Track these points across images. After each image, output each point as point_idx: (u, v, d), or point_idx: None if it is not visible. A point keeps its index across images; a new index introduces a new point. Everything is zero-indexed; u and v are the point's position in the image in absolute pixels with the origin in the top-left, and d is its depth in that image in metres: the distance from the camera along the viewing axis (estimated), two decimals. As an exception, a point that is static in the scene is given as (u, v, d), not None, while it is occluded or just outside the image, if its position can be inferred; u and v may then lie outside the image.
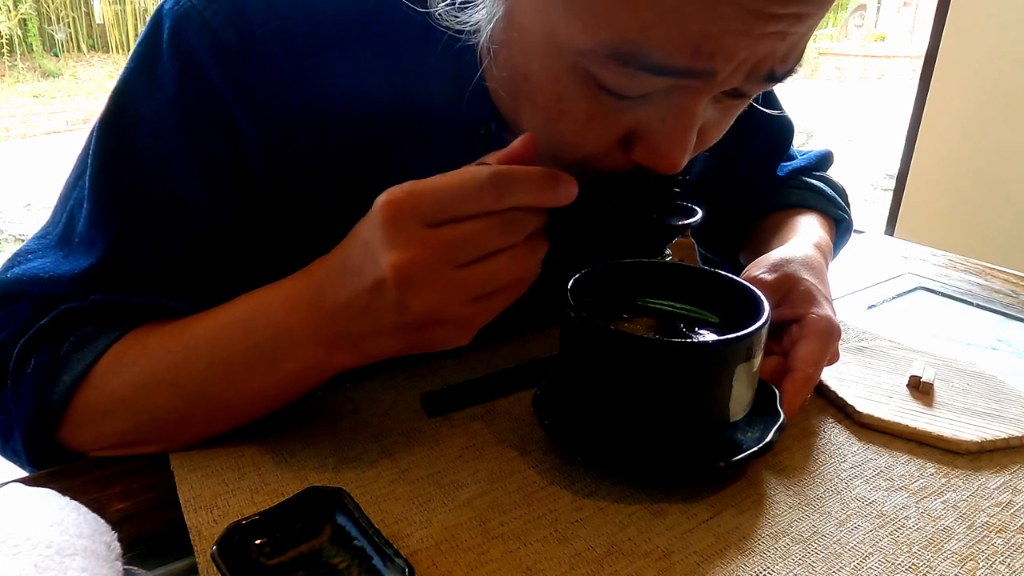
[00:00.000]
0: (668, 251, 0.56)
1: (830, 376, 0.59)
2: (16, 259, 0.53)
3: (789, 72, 0.42)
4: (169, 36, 0.49)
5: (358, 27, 0.51)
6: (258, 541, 0.39)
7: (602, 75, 0.40)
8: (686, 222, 0.51)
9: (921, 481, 0.49)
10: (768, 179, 0.80)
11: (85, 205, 0.50)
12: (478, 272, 0.39)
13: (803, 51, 0.42)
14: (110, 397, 0.49)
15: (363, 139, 0.53)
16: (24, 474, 0.51)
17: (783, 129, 0.80)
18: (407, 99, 0.53)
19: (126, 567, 0.39)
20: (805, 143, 3.36)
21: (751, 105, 0.73)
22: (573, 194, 0.40)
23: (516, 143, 0.41)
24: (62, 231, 0.53)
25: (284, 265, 0.49)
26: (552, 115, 0.45)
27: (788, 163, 0.82)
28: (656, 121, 0.43)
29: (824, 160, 0.84)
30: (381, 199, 0.39)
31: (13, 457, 0.52)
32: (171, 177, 0.50)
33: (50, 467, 0.50)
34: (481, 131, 0.54)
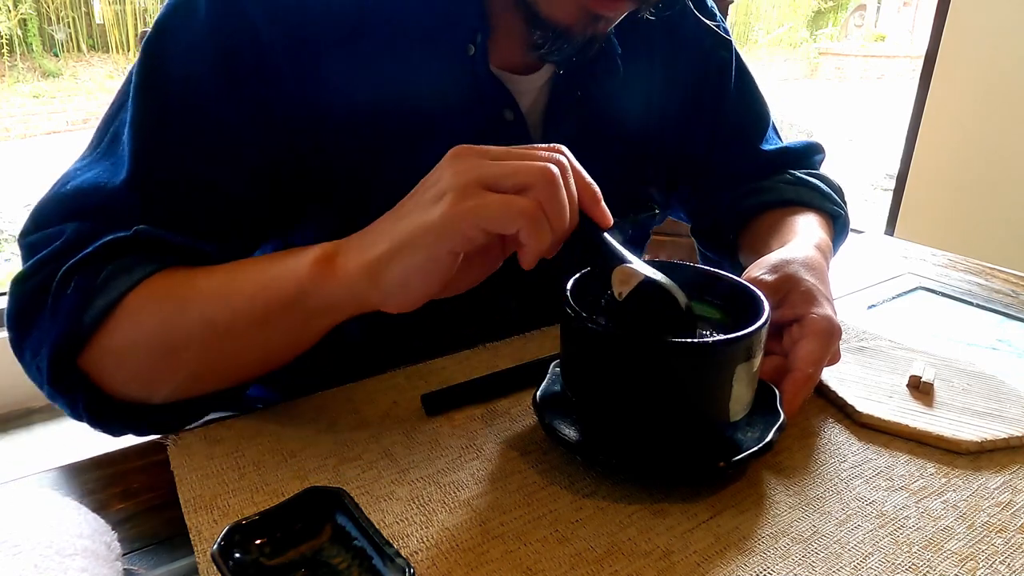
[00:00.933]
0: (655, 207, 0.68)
1: (830, 376, 0.59)
2: (62, 180, 0.56)
3: None
4: None
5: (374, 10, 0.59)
6: (258, 541, 0.39)
7: None
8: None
9: (921, 481, 0.49)
10: (754, 153, 0.82)
11: (127, 126, 0.55)
12: (502, 169, 0.44)
13: None
14: (137, 327, 0.51)
15: (376, 56, 0.60)
16: (23, 474, 0.51)
17: (758, 105, 0.84)
18: (409, 16, 0.60)
19: (126, 567, 0.39)
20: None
21: (724, 84, 0.80)
22: (608, 223, 0.47)
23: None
24: (106, 148, 0.56)
25: (304, 232, 0.55)
26: None
27: (771, 145, 0.84)
28: None
29: (810, 149, 0.85)
30: (454, 148, 0.46)
31: (36, 375, 0.53)
32: (203, 97, 0.55)
33: (66, 391, 0.52)
34: (470, 52, 0.62)
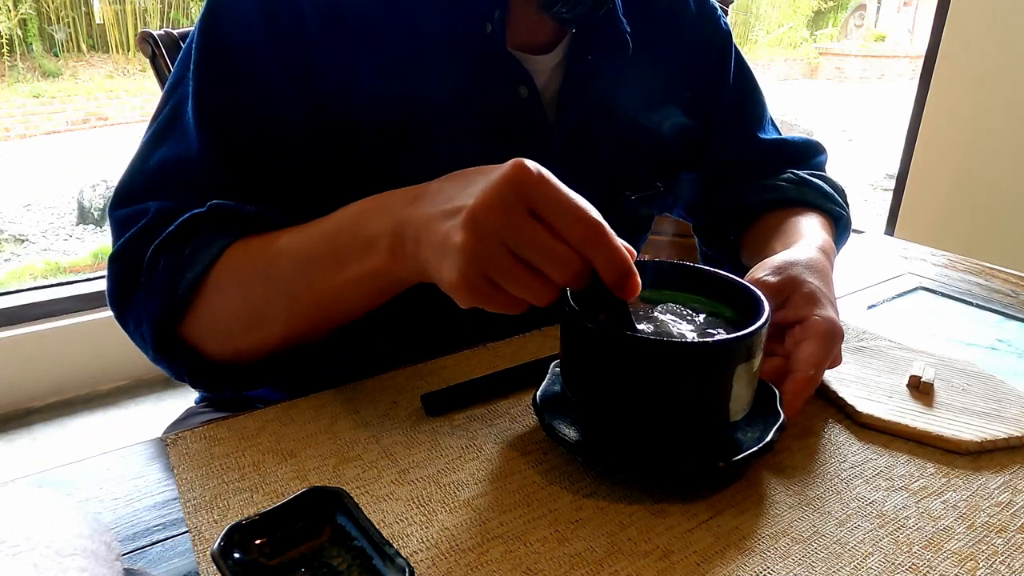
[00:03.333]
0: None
1: (830, 376, 0.59)
2: (139, 156, 0.61)
3: None
4: None
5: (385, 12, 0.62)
6: (258, 541, 0.39)
7: None
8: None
9: (921, 481, 0.49)
10: (752, 141, 0.83)
11: (190, 99, 0.59)
12: (511, 267, 0.42)
13: None
14: (221, 294, 0.56)
15: (396, 34, 0.63)
16: (23, 474, 0.51)
17: (755, 95, 0.85)
18: (430, 5, 0.63)
19: (126, 567, 0.39)
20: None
21: (722, 75, 0.81)
22: (633, 295, 0.43)
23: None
24: (169, 122, 0.61)
25: (339, 199, 0.55)
26: None
27: (773, 135, 0.85)
28: None
29: (812, 147, 0.86)
30: (523, 162, 0.42)
31: (141, 342, 0.59)
32: (257, 61, 0.60)
33: (169, 357, 0.57)
34: (488, 29, 0.64)
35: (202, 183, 0.58)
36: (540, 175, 0.42)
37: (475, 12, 0.64)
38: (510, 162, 0.42)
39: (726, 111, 0.82)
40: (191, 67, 0.60)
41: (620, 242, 0.43)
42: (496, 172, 0.42)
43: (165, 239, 0.56)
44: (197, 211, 0.56)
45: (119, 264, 0.58)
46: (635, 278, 0.42)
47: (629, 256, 0.43)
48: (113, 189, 0.61)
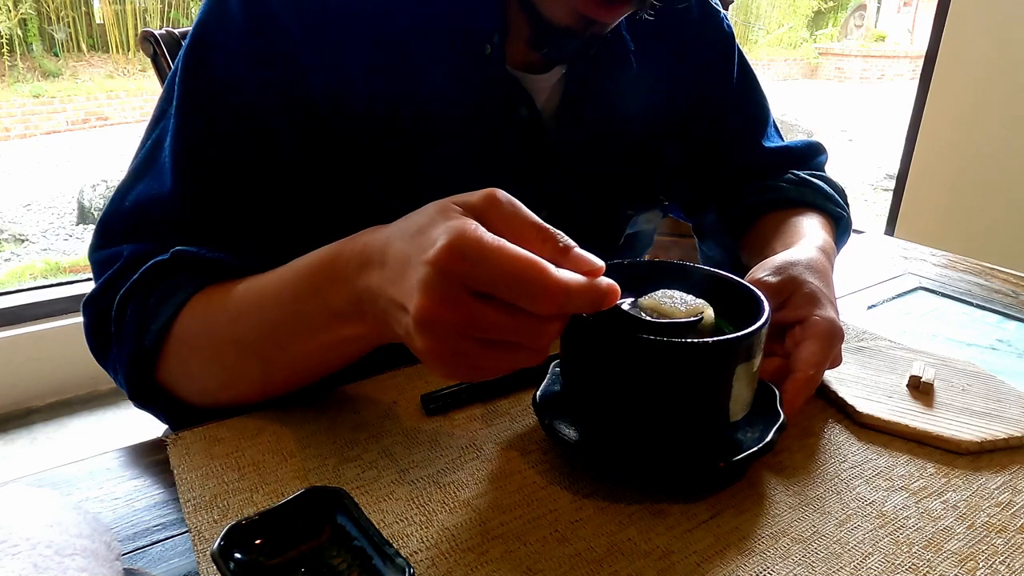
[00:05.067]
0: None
1: (830, 376, 0.59)
2: (119, 193, 0.60)
3: None
4: None
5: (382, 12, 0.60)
6: (258, 541, 0.39)
7: None
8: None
9: (921, 481, 0.49)
10: (755, 149, 0.82)
11: (170, 134, 0.58)
12: (486, 354, 0.39)
13: None
14: (189, 346, 0.55)
15: (395, 55, 0.61)
16: (23, 474, 0.51)
17: (760, 101, 0.84)
18: (427, 16, 0.62)
19: (126, 567, 0.39)
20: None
21: (726, 81, 0.80)
22: (613, 302, 0.39)
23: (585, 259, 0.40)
24: (149, 158, 0.60)
25: (332, 229, 0.52)
26: None
27: (776, 142, 0.84)
28: None
29: (811, 148, 0.85)
30: (443, 244, 0.37)
31: (123, 388, 0.58)
32: (244, 96, 0.58)
33: (147, 403, 0.57)
34: (487, 51, 0.63)
35: (173, 224, 0.57)
36: (473, 252, 0.37)
37: (474, 34, 0.63)
38: (441, 241, 0.37)
39: (730, 118, 0.82)
40: (174, 101, 0.59)
41: (584, 261, 0.39)
42: (428, 255, 0.38)
43: (130, 288, 0.55)
44: (161, 258, 0.55)
45: (92, 309, 0.58)
46: (611, 294, 0.39)
47: (595, 273, 0.39)
48: (97, 221, 0.61)
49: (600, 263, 0.40)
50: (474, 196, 0.40)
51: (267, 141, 0.59)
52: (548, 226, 0.40)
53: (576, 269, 0.39)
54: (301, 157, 0.61)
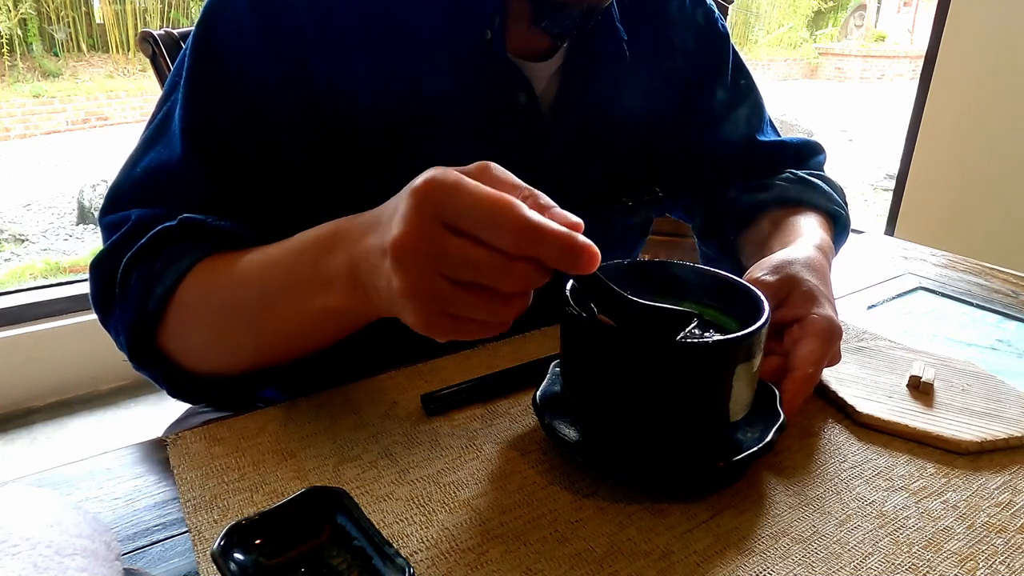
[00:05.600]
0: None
1: (830, 376, 0.59)
2: (131, 161, 0.62)
3: None
4: None
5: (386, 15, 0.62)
6: (258, 541, 0.39)
7: None
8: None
9: (921, 481, 0.49)
10: (750, 144, 0.83)
11: (179, 104, 0.60)
12: (459, 296, 0.39)
13: None
14: (189, 310, 0.55)
15: (398, 43, 0.62)
16: (23, 474, 0.51)
17: (754, 96, 0.85)
18: (428, 13, 0.62)
19: (126, 567, 0.39)
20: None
21: (721, 76, 0.81)
22: (592, 267, 0.38)
23: (568, 215, 0.40)
24: (160, 128, 0.61)
25: (330, 209, 0.53)
26: None
27: (771, 137, 0.85)
28: None
29: (810, 147, 0.86)
30: (423, 178, 0.39)
31: (123, 349, 0.59)
32: (251, 70, 0.60)
33: (147, 367, 0.58)
34: (487, 36, 0.64)
35: (182, 191, 0.59)
36: (449, 185, 0.38)
37: (474, 19, 0.64)
38: (420, 177, 0.39)
39: (724, 113, 0.82)
40: (183, 73, 0.60)
41: (561, 217, 0.39)
42: (409, 189, 0.39)
43: (137, 252, 0.56)
44: (168, 224, 0.56)
45: (99, 270, 0.59)
46: (587, 251, 0.38)
47: (575, 229, 0.38)
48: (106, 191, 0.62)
49: (579, 220, 0.39)
50: (469, 166, 0.41)
51: (272, 117, 0.60)
52: (533, 189, 0.40)
53: (558, 220, 0.39)
54: (302, 136, 0.62)
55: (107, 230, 0.60)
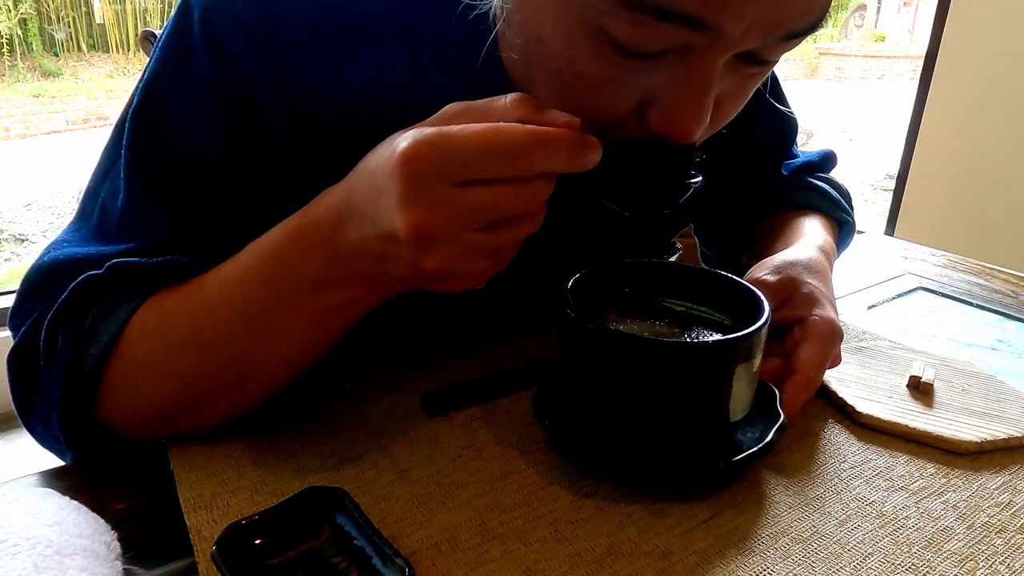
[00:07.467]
0: (678, 244, 0.56)
1: (830, 376, 0.59)
2: (51, 248, 0.52)
3: (812, 28, 0.40)
4: (200, 29, 0.49)
5: (380, 20, 0.53)
6: (258, 541, 0.39)
7: (613, 28, 0.39)
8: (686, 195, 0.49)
9: (921, 481, 0.49)
10: (774, 178, 0.81)
11: (120, 195, 0.50)
12: (495, 237, 0.39)
13: (826, 5, 0.41)
14: (138, 366, 0.48)
15: (383, 123, 0.54)
16: (22, 474, 0.51)
17: (788, 126, 0.80)
18: (423, 80, 0.54)
19: (126, 567, 0.39)
20: (805, 143, 3.34)
21: (759, 98, 0.74)
22: (597, 158, 0.38)
23: (558, 113, 0.39)
24: (96, 224, 0.52)
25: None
26: (566, 79, 0.44)
27: (791, 161, 0.82)
28: (670, 85, 0.42)
29: (827, 159, 0.84)
30: (402, 148, 0.36)
31: (54, 444, 0.51)
32: (207, 163, 0.50)
33: (90, 451, 0.50)
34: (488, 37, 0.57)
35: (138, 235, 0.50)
36: (437, 141, 0.36)
37: (485, 88, 0.59)
38: (396, 147, 0.37)
39: (758, 150, 0.77)
40: (122, 165, 0.51)
41: (557, 113, 0.38)
42: (391, 167, 0.37)
43: (59, 310, 0.48)
44: (93, 272, 0.48)
45: (16, 358, 0.50)
46: (592, 144, 0.38)
47: (572, 124, 0.38)
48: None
49: (574, 118, 0.39)
50: (434, 116, 0.40)
51: (233, 206, 0.52)
52: (506, 100, 0.40)
53: (551, 124, 0.38)
54: (267, 206, 0.51)
55: (18, 325, 0.51)
